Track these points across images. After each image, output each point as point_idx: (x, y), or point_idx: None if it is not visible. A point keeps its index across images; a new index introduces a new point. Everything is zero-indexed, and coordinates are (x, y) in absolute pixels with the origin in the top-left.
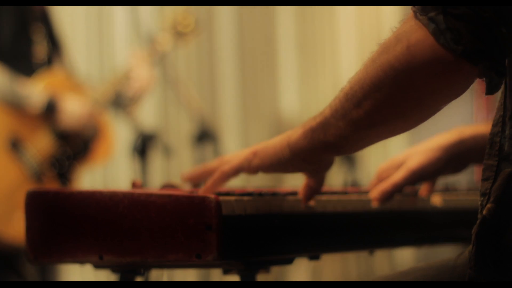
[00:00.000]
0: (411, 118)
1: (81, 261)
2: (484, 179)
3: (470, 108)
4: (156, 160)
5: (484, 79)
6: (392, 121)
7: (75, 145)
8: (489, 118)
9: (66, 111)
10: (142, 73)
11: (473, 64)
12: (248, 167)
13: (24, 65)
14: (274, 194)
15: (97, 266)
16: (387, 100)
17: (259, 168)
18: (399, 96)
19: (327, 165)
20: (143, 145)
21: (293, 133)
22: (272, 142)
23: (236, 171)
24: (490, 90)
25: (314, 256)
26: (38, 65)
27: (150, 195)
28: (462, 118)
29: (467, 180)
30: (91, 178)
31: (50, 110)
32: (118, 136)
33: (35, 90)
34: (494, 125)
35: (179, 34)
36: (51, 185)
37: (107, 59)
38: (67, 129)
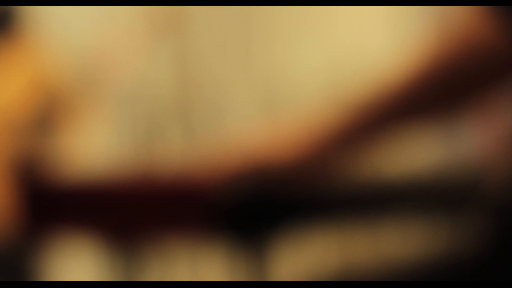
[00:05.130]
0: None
1: (79, 234)
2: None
3: None
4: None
5: None
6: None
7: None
8: None
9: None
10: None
11: None
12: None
13: None
14: (269, 171)
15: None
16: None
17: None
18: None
19: None
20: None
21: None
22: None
23: None
24: None
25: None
26: None
27: (149, 175)
28: None
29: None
30: (84, 145)
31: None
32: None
33: None
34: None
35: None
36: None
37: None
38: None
